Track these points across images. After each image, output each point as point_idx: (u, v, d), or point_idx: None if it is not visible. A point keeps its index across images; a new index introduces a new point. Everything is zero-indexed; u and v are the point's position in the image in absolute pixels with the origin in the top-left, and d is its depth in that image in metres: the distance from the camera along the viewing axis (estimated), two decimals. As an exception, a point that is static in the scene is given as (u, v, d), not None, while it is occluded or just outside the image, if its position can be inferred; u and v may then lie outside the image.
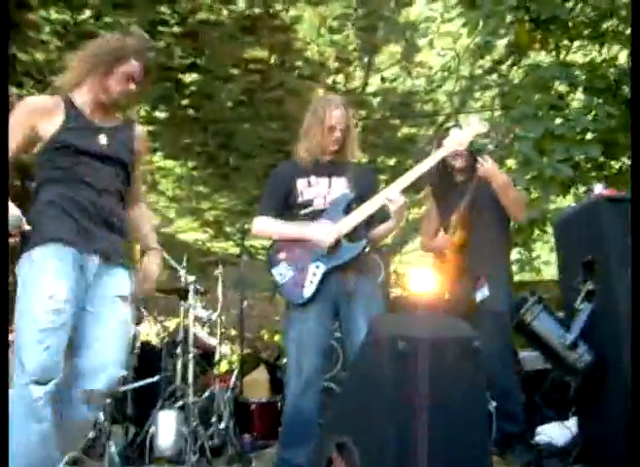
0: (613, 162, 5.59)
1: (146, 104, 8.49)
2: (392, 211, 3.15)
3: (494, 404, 3.55)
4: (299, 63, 8.74)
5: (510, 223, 4.03)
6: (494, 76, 8.08)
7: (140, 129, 2.84)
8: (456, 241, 3.80)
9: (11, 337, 2.64)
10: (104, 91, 2.61)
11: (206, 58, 8.33)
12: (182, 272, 4.50)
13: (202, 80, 8.62)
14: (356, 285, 3.13)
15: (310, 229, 3.15)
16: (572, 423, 3.57)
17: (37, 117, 2.55)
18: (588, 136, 4.97)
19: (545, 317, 3.15)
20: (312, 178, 3.23)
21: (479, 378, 2.40)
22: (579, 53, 6.31)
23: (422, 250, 4.29)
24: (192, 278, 4.45)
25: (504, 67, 7.70)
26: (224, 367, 6.03)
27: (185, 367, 4.26)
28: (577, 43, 6.00)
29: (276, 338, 9.00)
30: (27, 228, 2.43)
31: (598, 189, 3.32)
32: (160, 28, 7.69)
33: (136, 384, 4.15)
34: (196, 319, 4.53)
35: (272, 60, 8.51)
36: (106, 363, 2.51)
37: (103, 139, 2.63)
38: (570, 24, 5.38)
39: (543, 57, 6.17)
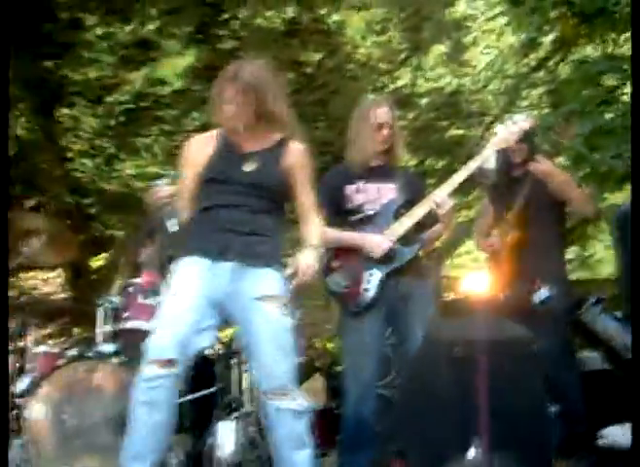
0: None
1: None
2: (440, 215, 3.14)
3: (555, 407, 3.49)
4: (350, 66, 8.71)
5: (565, 222, 3.96)
6: (541, 73, 7.97)
7: (293, 147, 2.79)
8: (512, 241, 3.75)
9: None
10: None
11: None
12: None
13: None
14: (412, 290, 3.12)
15: (364, 238, 3.14)
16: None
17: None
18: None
19: (605, 317, 3.09)
20: (361, 184, 3.22)
21: (537, 381, 2.38)
22: (626, 46, 6.18)
23: (477, 249, 4.25)
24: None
25: (550, 64, 7.59)
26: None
27: (240, 377, 4.29)
28: (624, 35, 5.88)
29: (329, 345, 8.99)
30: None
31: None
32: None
33: (196, 395, 4.18)
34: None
35: (318, 62, 8.49)
36: None
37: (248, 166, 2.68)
38: (617, 17, 5.28)
39: (590, 52, 6.06)
